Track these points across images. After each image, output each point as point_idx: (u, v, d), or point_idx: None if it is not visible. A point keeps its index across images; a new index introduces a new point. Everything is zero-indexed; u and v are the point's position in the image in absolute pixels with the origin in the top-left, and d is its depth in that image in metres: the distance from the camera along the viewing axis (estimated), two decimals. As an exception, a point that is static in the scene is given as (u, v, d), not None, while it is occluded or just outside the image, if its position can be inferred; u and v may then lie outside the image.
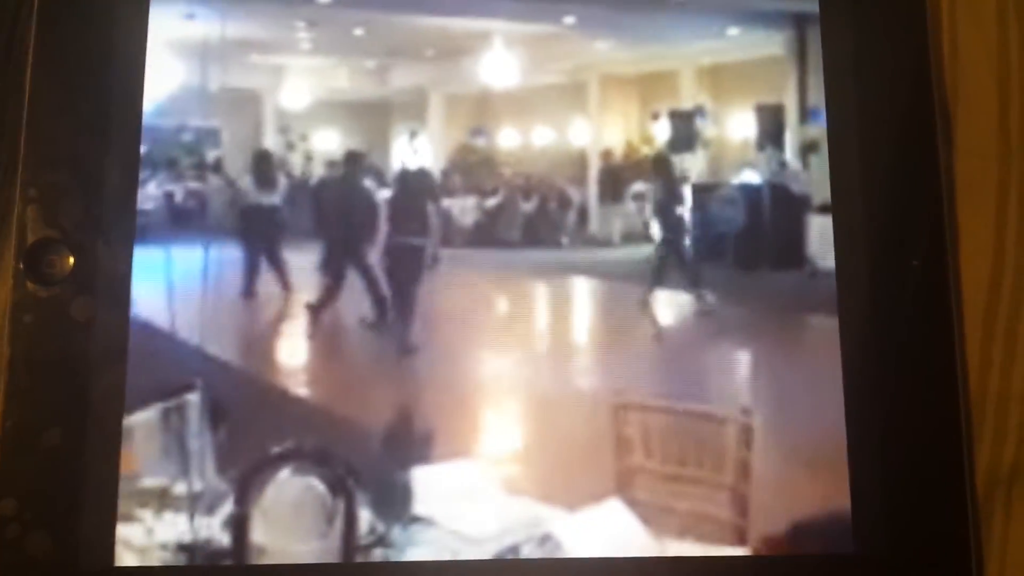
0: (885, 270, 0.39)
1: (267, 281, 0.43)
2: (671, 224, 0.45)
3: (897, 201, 0.40)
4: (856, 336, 0.38)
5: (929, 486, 0.37)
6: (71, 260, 0.38)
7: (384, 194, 0.45)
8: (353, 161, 0.45)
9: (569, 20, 0.46)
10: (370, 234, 0.44)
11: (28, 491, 0.36)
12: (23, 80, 0.39)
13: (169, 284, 0.42)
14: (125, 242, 0.38)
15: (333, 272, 0.44)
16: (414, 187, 0.45)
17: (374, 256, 0.44)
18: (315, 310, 0.43)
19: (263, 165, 0.45)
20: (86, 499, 0.36)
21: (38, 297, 0.37)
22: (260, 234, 0.44)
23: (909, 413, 0.37)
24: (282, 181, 0.45)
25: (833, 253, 0.42)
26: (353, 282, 0.44)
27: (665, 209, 0.45)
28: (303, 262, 0.43)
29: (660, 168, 0.45)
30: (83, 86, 0.39)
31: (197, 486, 0.40)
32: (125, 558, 0.38)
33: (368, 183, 0.45)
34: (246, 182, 0.44)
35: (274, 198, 0.45)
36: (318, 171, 0.45)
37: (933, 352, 0.38)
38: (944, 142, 0.41)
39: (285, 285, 0.43)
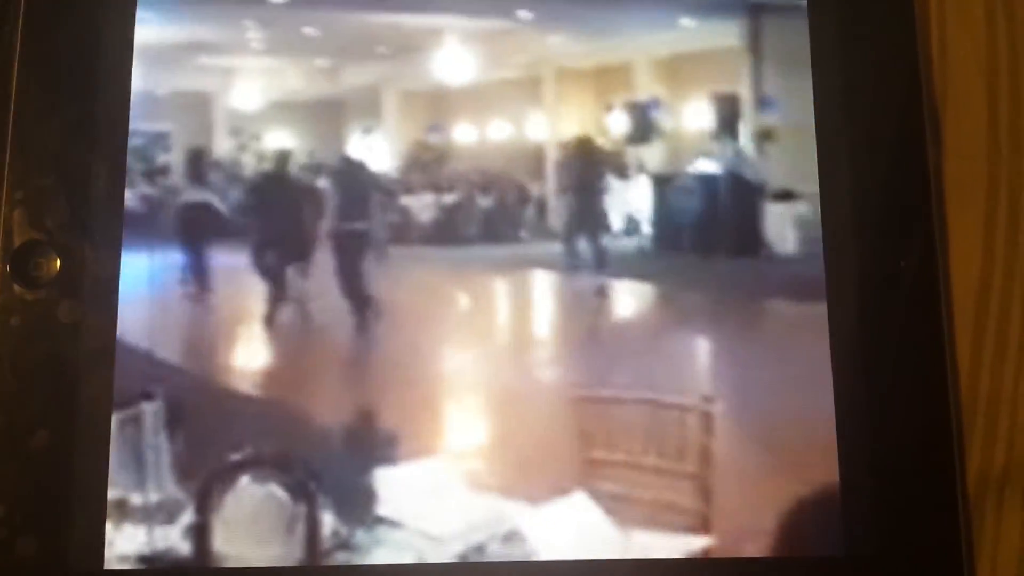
0: (874, 271, 0.39)
1: (215, 283, 0.42)
2: (629, 215, 0.45)
3: (886, 202, 0.40)
4: (845, 338, 0.38)
5: (920, 488, 0.37)
6: (58, 263, 0.38)
7: (324, 191, 0.44)
8: (283, 159, 0.44)
9: (523, 14, 0.46)
10: (316, 231, 0.44)
11: (16, 494, 0.36)
12: (9, 82, 0.38)
13: (119, 290, 0.41)
14: (112, 244, 0.38)
15: (281, 272, 0.43)
16: (362, 184, 0.44)
17: (324, 254, 0.43)
18: (268, 311, 0.43)
19: (198, 163, 0.44)
20: (75, 502, 0.36)
21: (25, 300, 0.37)
22: (207, 235, 0.43)
23: (899, 415, 0.37)
24: (219, 180, 0.44)
25: (793, 241, 0.42)
26: (305, 281, 0.43)
27: (621, 200, 0.45)
28: (246, 262, 0.43)
29: (617, 160, 0.45)
30: (69, 88, 0.39)
31: (154, 497, 0.40)
32: (115, 561, 0.37)
33: (307, 180, 0.44)
34: (184, 181, 0.44)
35: (210, 196, 0.44)
36: (255, 168, 0.44)
37: (923, 354, 0.38)
38: (933, 143, 0.41)
39: (233, 286, 0.43)
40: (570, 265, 0.44)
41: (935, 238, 0.39)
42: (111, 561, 0.38)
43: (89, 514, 0.36)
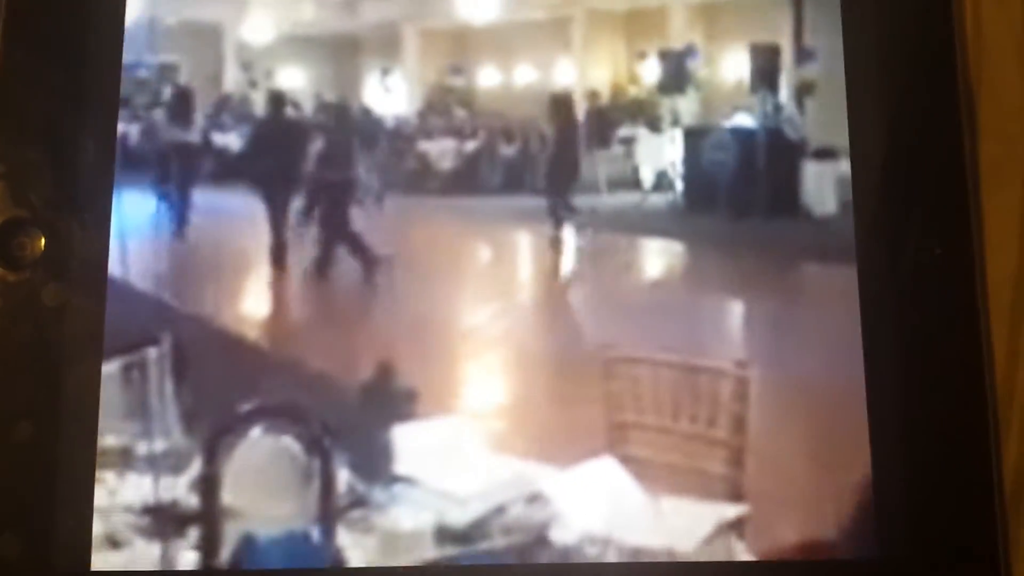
0: (906, 259, 0.37)
1: (223, 227, 0.41)
2: (661, 170, 0.43)
3: (919, 187, 0.38)
4: (876, 330, 0.37)
5: (954, 486, 0.36)
6: (42, 241, 0.36)
7: (333, 134, 0.42)
8: (279, 99, 0.42)
9: (553, -49, 0.43)
10: (325, 177, 0.42)
11: None
12: None
13: (121, 231, 0.39)
14: (101, 222, 0.36)
15: (295, 219, 0.41)
16: (377, 128, 0.42)
17: (333, 203, 0.41)
18: (278, 260, 0.41)
19: (182, 103, 0.42)
20: (60, 498, 0.34)
21: (7, 281, 0.36)
22: (214, 176, 0.41)
23: (933, 410, 0.36)
24: (228, 119, 0.42)
25: (833, 202, 0.40)
26: (317, 230, 0.41)
27: (654, 154, 0.43)
28: (257, 206, 0.41)
29: (649, 111, 0.43)
30: (57, 54, 0.37)
31: (161, 446, 0.38)
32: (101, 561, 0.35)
33: (317, 123, 0.42)
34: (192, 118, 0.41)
35: (218, 134, 0.42)
36: (264, 107, 0.42)
37: (957, 346, 0.36)
38: (968, 126, 0.40)
39: (243, 231, 0.41)
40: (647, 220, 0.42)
41: (970, 224, 0.38)
42: (103, 558, 0.36)
43: (75, 511, 0.35)
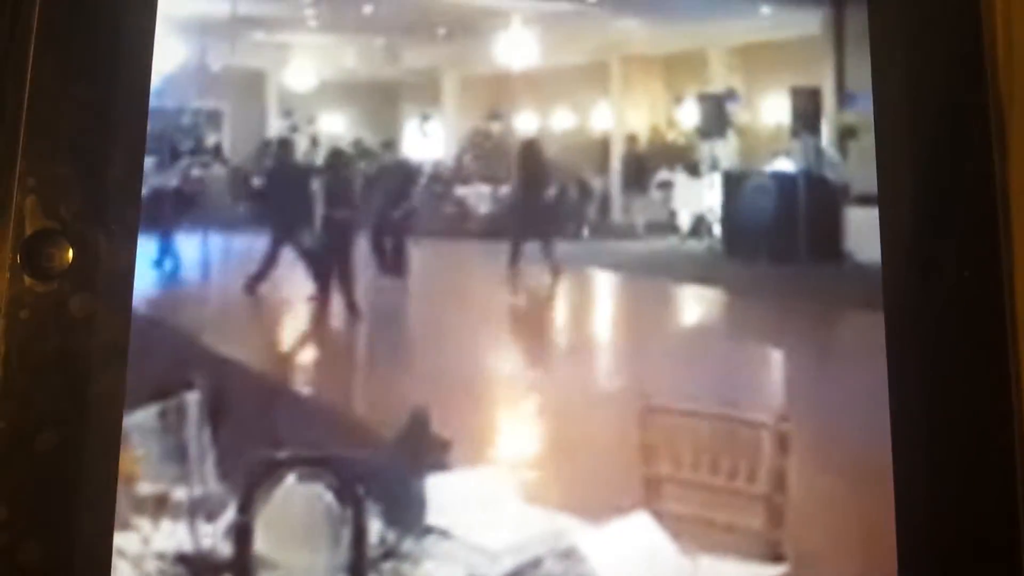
0: (935, 282, 0.36)
1: (262, 272, 0.41)
2: (699, 215, 0.42)
3: (948, 210, 0.37)
4: (904, 353, 0.35)
5: (980, 511, 0.34)
6: (71, 253, 0.36)
7: (374, 180, 0.42)
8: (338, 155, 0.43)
9: (591, -4, 0.43)
10: (362, 221, 0.42)
11: (20, 497, 0.34)
12: (25, 64, 0.37)
13: (164, 275, 0.40)
14: (128, 235, 0.36)
15: (328, 264, 0.41)
16: (414, 174, 0.42)
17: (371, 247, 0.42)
18: (316, 306, 0.41)
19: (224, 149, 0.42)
20: (82, 507, 0.34)
21: (35, 292, 0.35)
22: (254, 222, 0.41)
23: (960, 435, 0.34)
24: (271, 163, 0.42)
25: (879, 249, 0.39)
26: (353, 275, 0.41)
27: (693, 199, 0.42)
28: (292, 252, 0.41)
29: (687, 155, 0.43)
30: (87, 71, 0.37)
31: (197, 492, 0.38)
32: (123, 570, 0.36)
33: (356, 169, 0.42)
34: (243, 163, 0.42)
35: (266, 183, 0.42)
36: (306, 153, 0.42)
37: (986, 371, 0.35)
38: (998, 148, 0.38)
39: (282, 277, 0.41)
40: (635, 266, 0.41)
41: (1000, 247, 0.36)
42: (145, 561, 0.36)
43: (97, 520, 0.34)
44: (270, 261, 0.41)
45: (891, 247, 0.36)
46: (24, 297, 0.35)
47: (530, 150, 0.41)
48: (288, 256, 0.41)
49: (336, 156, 0.41)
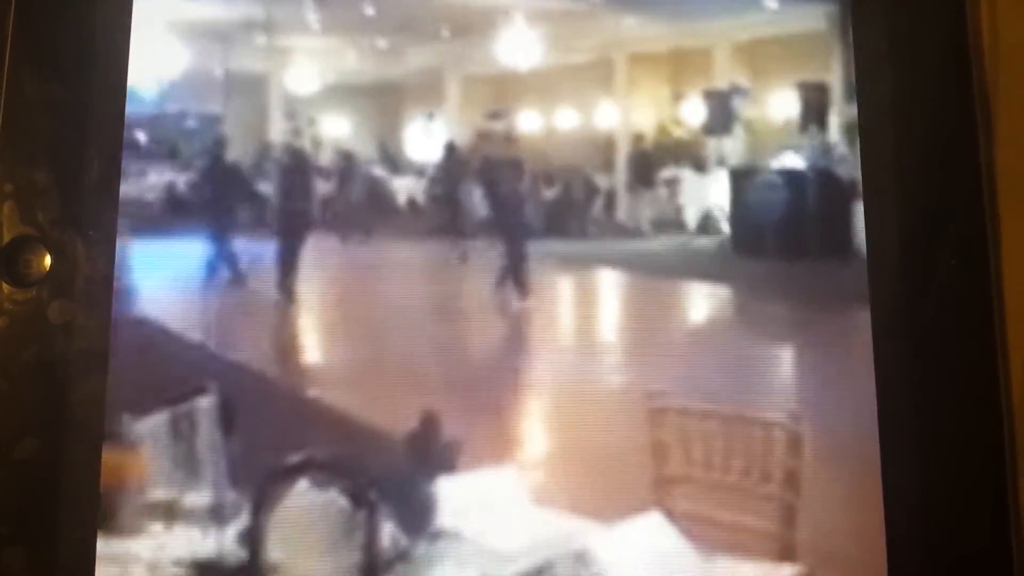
0: (920, 271, 0.36)
1: (270, 274, 0.41)
2: (706, 212, 0.42)
3: (934, 197, 0.37)
4: (890, 343, 0.35)
5: (969, 508, 0.34)
6: (48, 260, 0.36)
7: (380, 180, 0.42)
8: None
9: (594, -7, 0.43)
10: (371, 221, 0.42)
11: (2, 504, 0.34)
12: (1, 70, 0.36)
13: (174, 280, 0.39)
14: (106, 241, 0.36)
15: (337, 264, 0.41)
16: (415, 174, 0.42)
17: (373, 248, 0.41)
18: (325, 308, 0.41)
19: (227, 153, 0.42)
20: (64, 513, 0.34)
21: (13, 299, 0.35)
22: (261, 224, 0.41)
23: (947, 428, 0.35)
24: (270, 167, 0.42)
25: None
26: (360, 274, 0.41)
27: (700, 196, 0.42)
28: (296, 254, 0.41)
29: (693, 152, 0.42)
30: (64, 76, 0.37)
31: (209, 498, 0.38)
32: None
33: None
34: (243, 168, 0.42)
35: (272, 187, 0.42)
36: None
37: (973, 361, 0.35)
38: (984, 134, 0.38)
39: (289, 279, 0.41)
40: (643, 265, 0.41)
41: (986, 235, 0.36)
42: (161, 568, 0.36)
43: (80, 526, 0.35)
44: (289, 263, 0.40)
45: (876, 238, 0.36)
46: (2, 304, 0.35)
47: (604, 146, 0.41)
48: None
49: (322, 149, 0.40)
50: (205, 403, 0.39)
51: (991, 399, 0.35)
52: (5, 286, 0.35)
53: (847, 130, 0.41)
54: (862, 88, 0.39)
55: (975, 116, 0.37)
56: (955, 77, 0.38)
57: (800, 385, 0.38)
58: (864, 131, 0.38)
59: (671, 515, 0.37)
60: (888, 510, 0.34)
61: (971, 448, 0.35)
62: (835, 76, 0.42)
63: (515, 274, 0.40)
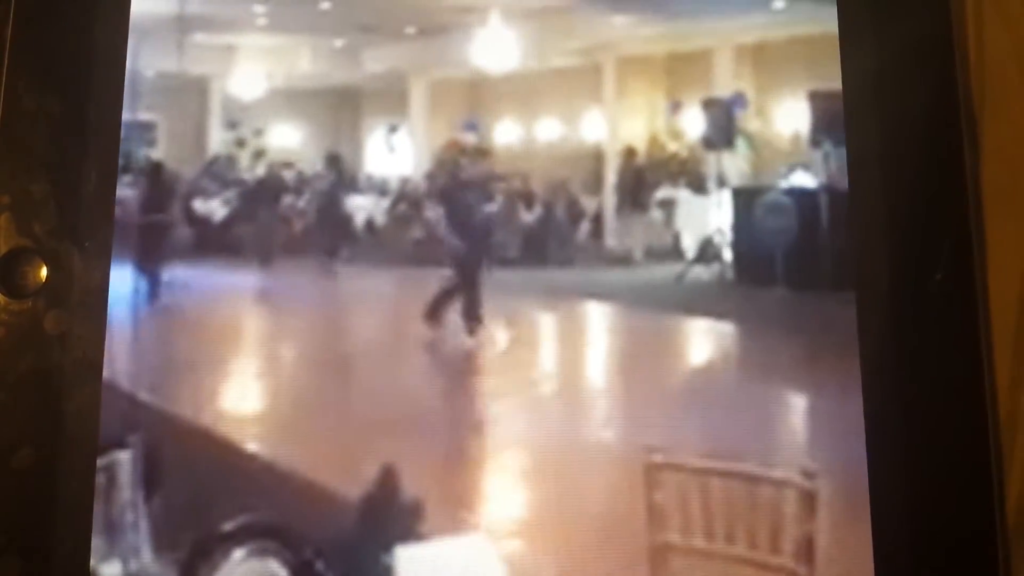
0: (907, 284, 0.34)
1: (212, 307, 0.36)
2: (706, 237, 0.37)
3: (920, 210, 0.36)
4: (877, 356, 0.34)
5: (956, 517, 0.32)
6: (44, 271, 0.36)
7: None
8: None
9: (580, -10, 0.39)
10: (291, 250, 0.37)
11: None
12: None
13: (108, 300, 0.35)
14: (102, 252, 0.35)
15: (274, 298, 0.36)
16: (378, 193, 0.38)
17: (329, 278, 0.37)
18: (269, 343, 0.36)
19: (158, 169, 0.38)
20: (59, 522, 0.34)
21: (10, 309, 0.35)
22: (196, 250, 0.37)
23: (933, 439, 0.33)
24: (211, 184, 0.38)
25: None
26: (312, 308, 0.36)
27: (699, 219, 0.37)
28: (236, 281, 0.36)
29: (691, 170, 0.38)
30: (61, 88, 0.37)
31: (131, 569, 0.34)
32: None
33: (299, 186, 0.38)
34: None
35: (210, 207, 0.38)
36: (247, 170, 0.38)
37: (959, 373, 0.34)
38: (970, 147, 0.37)
39: (223, 311, 0.36)
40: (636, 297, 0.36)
41: (972, 248, 0.35)
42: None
43: (74, 535, 0.34)
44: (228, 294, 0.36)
45: (863, 250, 0.34)
46: (-2, 315, 0.38)
47: (591, 162, 0.37)
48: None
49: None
50: (125, 457, 0.35)
51: (978, 408, 0.34)
52: (1, 297, 0.35)
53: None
54: (848, 109, 0.37)
55: (962, 132, 0.37)
56: (941, 91, 0.36)
57: (813, 436, 0.34)
58: (851, 149, 0.37)
59: (668, 592, 0.32)
60: (876, 528, 0.32)
61: (957, 455, 0.33)
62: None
63: (477, 309, 0.36)
